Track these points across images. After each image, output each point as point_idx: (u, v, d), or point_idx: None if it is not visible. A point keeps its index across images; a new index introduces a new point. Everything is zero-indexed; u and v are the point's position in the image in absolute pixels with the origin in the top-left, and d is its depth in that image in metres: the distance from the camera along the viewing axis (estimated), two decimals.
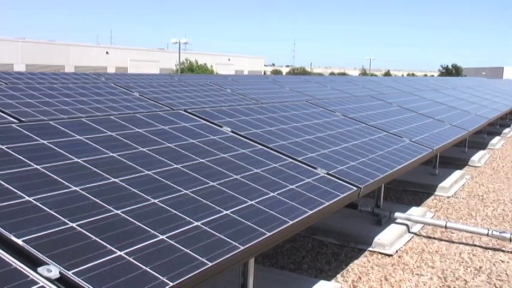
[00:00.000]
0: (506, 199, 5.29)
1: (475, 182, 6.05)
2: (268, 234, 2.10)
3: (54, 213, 1.75)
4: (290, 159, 3.14)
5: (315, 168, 3.11)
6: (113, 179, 2.14)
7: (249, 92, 8.65)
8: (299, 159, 3.19)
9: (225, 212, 2.17)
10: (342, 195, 2.82)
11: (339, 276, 3.14)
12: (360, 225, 3.85)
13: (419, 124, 5.74)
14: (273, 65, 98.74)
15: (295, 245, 3.63)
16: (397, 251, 3.58)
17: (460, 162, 7.16)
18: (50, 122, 2.56)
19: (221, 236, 1.95)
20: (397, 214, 3.97)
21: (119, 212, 1.90)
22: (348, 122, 4.70)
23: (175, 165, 2.49)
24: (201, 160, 2.67)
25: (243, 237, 1.99)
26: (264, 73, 53.51)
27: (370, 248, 3.58)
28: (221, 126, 3.34)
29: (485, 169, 6.93)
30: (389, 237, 3.65)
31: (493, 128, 10.88)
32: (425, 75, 73.42)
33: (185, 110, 3.46)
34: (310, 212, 2.46)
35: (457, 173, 6.03)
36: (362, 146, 4.02)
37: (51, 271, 1.43)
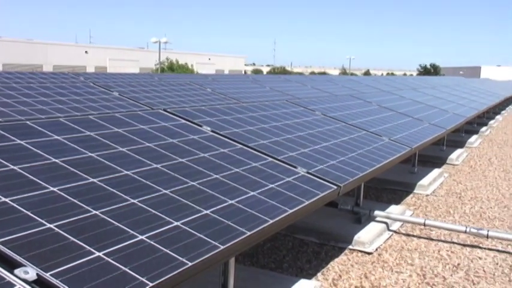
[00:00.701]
0: (484, 197, 5.37)
1: (453, 180, 6.14)
2: (249, 233, 2.10)
3: (31, 214, 1.73)
4: (270, 159, 3.14)
5: (295, 167, 3.12)
6: (92, 179, 2.12)
7: (230, 92, 8.64)
8: (279, 158, 3.20)
9: (205, 211, 2.17)
10: (322, 194, 2.83)
11: (319, 274, 3.16)
12: (340, 224, 3.87)
13: (399, 123, 5.79)
14: (254, 64, 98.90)
15: (275, 244, 3.64)
16: (376, 249, 3.61)
17: (438, 161, 7.25)
18: (27, 122, 2.53)
19: (201, 236, 1.95)
20: (376, 212, 4.01)
21: (97, 212, 1.88)
22: (328, 121, 4.72)
23: (155, 165, 2.48)
24: (181, 160, 2.66)
25: (223, 237, 1.99)
26: (245, 72, 53.47)
27: (350, 246, 3.60)
28: (201, 126, 3.33)
29: (463, 167, 7.03)
30: (369, 235, 3.68)
31: (470, 127, 11.03)
32: (405, 74, 74.03)
33: (165, 110, 3.45)
34: (290, 211, 2.47)
35: (436, 171, 6.11)
36: (342, 145, 4.04)
37: (28, 273, 1.41)
